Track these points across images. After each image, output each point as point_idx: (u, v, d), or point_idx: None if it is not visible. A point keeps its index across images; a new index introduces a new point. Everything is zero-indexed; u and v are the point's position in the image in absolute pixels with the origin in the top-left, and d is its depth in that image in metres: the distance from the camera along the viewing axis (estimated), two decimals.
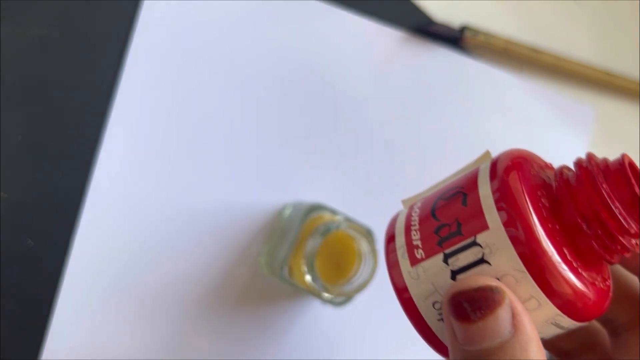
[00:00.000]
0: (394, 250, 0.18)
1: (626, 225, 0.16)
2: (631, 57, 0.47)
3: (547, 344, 0.19)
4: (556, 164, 0.20)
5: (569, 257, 0.16)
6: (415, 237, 0.18)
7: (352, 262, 0.31)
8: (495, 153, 0.20)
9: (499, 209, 0.16)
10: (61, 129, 0.31)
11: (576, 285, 0.16)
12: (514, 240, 0.16)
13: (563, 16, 0.44)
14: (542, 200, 0.17)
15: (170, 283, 0.33)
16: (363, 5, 0.37)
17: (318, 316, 0.36)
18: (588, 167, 0.17)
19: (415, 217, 0.19)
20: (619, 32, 0.46)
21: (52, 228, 0.30)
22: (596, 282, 0.17)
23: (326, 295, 0.30)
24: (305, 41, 0.35)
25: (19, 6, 0.30)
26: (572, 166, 0.18)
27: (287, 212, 0.34)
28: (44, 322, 0.30)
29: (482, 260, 0.16)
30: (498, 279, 0.16)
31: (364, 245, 0.31)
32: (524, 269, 0.16)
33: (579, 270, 0.16)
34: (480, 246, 0.16)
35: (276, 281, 0.33)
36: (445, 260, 0.17)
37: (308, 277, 0.30)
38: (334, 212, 0.32)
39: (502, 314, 0.15)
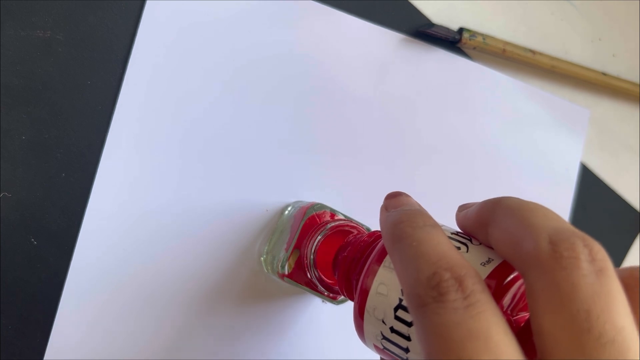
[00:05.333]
0: None
1: None
2: (627, 58, 0.47)
3: None
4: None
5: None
6: None
7: None
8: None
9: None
10: (65, 129, 0.31)
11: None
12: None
13: (560, 18, 0.44)
14: None
15: (172, 282, 0.33)
16: (361, 7, 0.37)
17: (318, 314, 0.36)
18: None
19: None
20: (616, 33, 0.47)
21: (55, 228, 0.31)
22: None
23: (326, 292, 0.30)
24: (305, 43, 0.36)
25: (23, 7, 0.30)
26: None
27: (288, 211, 0.34)
28: (48, 322, 0.30)
29: None
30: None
31: None
32: None
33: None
34: None
35: (277, 279, 0.33)
36: None
37: (308, 275, 0.30)
38: (334, 211, 0.32)
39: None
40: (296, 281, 0.31)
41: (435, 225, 0.19)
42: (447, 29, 0.39)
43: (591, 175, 0.45)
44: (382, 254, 0.22)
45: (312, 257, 0.29)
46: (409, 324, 0.20)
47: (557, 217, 0.17)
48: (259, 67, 0.34)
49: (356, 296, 0.22)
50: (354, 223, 0.31)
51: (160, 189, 0.32)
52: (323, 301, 0.35)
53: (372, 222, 0.32)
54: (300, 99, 0.35)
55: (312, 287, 0.30)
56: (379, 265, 0.21)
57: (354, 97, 0.37)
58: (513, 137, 0.42)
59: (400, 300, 0.20)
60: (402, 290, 0.20)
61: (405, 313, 0.20)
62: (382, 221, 0.21)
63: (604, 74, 0.45)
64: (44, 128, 0.30)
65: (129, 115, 0.32)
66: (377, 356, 0.32)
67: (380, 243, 0.22)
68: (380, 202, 0.38)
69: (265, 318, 0.35)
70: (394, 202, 0.23)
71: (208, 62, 0.33)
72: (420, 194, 0.39)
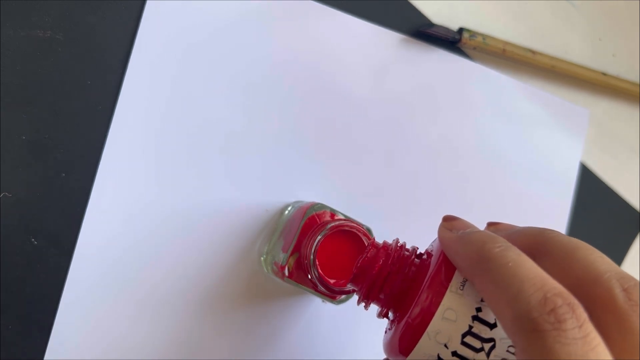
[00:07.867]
0: None
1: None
2: (627, 58, 0.47)
3: None
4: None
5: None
6: None
7: (351, 260, 0.31)
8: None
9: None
10: (65, 129, 0.31)
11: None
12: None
13: (559, 18, 0.44)
14: None
15: (172, 282, 0.33)
16: (361, 8, 0.37)
17: (318, 314, 0.36)
18: None
19: None
20: (615, 33, 0.47)
21: (55, 228, 0.31)
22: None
23: (326, 292, 0.30)
24: (305, 43, 0.36)
25: (23, 7, 0.30)
26: None
27: (288, 211, 0.34)
28: (48, 322, 0.30)
29: None
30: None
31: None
32: None
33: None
34: None
35: (277, 280, 0.33)
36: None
37: (308, 275, 0.30)
38: (334, 211, 0.32)
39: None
40: (296, 281, 0.31)
41: (514, 247, 0.20)
42: (447, 29, 0.39)
43: (591, 175, 0.45)
44: (446, 277, 0.21)
45: (312, 257, 0.29)
46: (478, 350, 0.20)
47: (610, 259, 0.19)
48: (259, 67, 0.34)
49: (410, 316, 0.22)
50: (354, 223, 0.31)
51: (161, 189, 0.32)
52: (323, 301, 0.35)
53: (372, 221, 0.32)
54: (300, 98, 0.35)
55: (312, 287, 0.30)
56: (445, 289, 0.21)
57: (353, 97, 0.37)
58: (513, 137, 0.42)
59: (471, 327, 0.20)
60: (472, 317, 0.20)
61: (475, 339, 0.20)
62: (454, 241, 0.21)
63: (604, 74, 0.45)
64: (44, 128, 0.30)
65: (129, 115, 0.32)
66: (377, 356, 0.32)
67: (436, 264, 0.22)
68: (380, 201, 0.38)
69: (265, 318, 0.35)
70: (458, 223, 0.23)
71: (208, 63, 0.33)
72: (421, 193, 0.39)
